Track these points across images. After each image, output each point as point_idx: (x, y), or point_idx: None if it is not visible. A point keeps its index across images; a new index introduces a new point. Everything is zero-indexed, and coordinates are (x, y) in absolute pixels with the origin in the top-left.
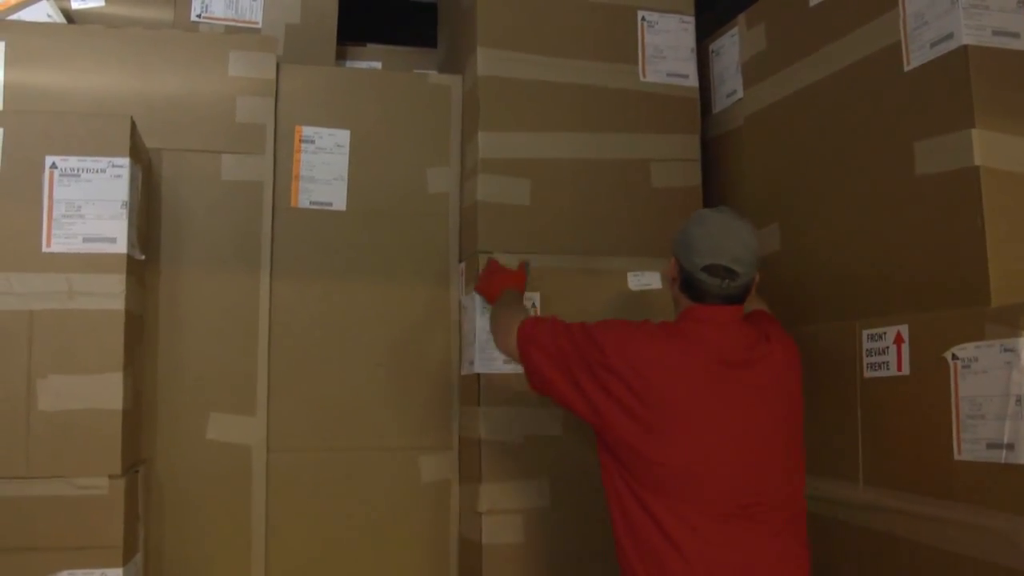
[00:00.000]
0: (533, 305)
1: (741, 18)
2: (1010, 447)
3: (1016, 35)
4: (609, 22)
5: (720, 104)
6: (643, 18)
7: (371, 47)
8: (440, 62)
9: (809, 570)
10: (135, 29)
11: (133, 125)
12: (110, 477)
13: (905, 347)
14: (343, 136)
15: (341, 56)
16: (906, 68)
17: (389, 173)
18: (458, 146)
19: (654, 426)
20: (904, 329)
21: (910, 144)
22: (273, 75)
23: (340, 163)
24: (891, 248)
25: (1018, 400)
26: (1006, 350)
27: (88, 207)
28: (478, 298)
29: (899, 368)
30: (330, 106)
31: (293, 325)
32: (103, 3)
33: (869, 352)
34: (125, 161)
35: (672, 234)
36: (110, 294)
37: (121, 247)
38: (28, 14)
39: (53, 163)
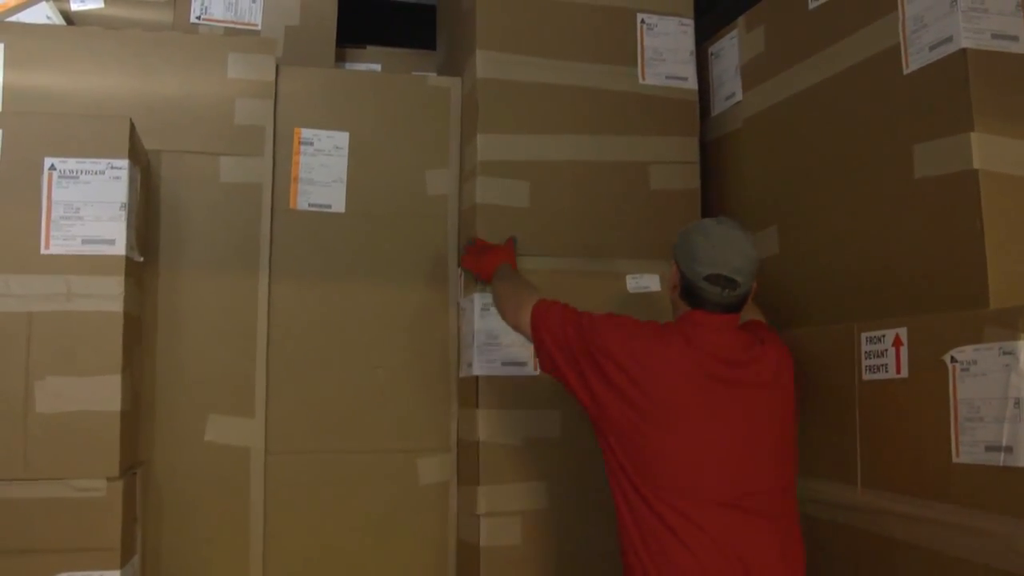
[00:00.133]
0: None
1: (740, 21)
2: (1008, 450)
3: (1015, 38)
4: (608, 24)
5: (719, 107)
6: (642, 21)
7: (370, 49)
8: (439, 64)
9: (804, 563)
10: (134, 31)
11: (132, 127)
12: (108, 479)
13: (904, 349)
14: (342, 138)
15: (340, 58)
16: (905, 71)
17: (388, 175)
18: (457, 148)
19: (652, 418)
20: (903, 332)
21: (909, 147)
22: (272, 77)
23: (339, 165)
24: (890, 251)
25: (1016, 403)
26: (1005, 353)
27: (87, 209)
28: (477, 300)
29: (897, 371)
30: (329, 108)
31: (292, 327)
32: (102, 5)
33: (867, 355)
34: (124, 163)
35: (671, 236)
36: (109, 296)
37: (120, 249)
38: (27, 16)
39: (52, 164)
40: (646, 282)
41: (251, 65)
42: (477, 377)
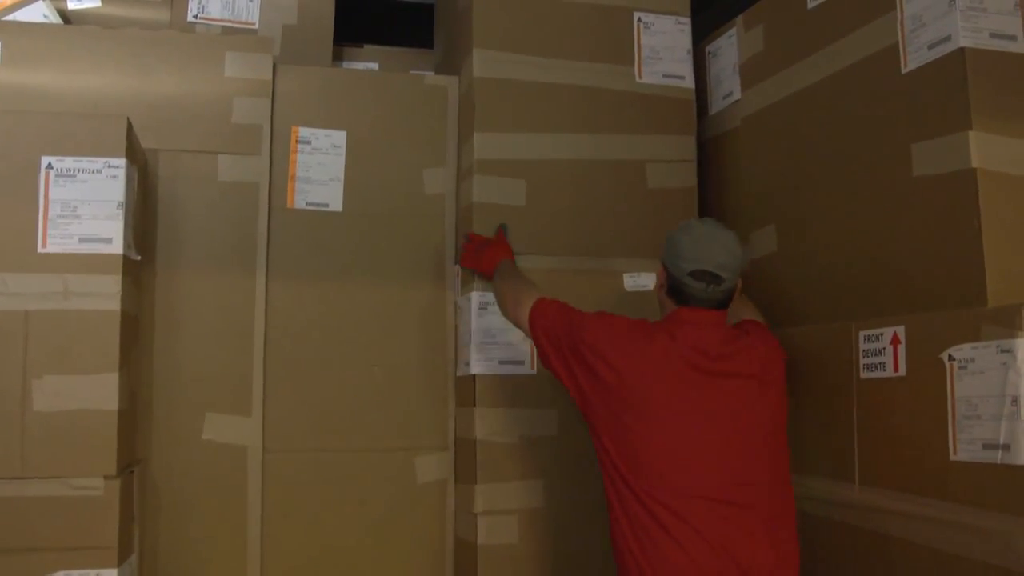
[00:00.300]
0: None
1: (739, 20)
2: (1006, 447)
3: (1013, 37)
4: (605, 23)
5: (716, 105)
6: (639, 19)
7: (368, 48)
8: (437, 63)
9: (798, 555)
10: (131, 30)
11: (129, 125)
12: (105, 477)
13: (901, 348)
14: (339, 137)
15: (338, 57)
16: (904, 70)
17: (385, 174)
18: (455, 147)
19: (639, 413)
20: (900, 330)
21: (907, 146)
22: (269, 76)
23: (336, 164)
24: (888, 249)
25: (1014, 400)
26: (1002, 351)
27: (84, 207)
28: (474, 299)
29: (895, 369)
30: (326, 107)
31: (289, 326)
32: (99, 3)
33: (865, 353)
34: (121, 161)
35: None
36: (106, 294)
37: (117, 247)
38: (24, 15)
39: (49, 163)
40: (644, 280)
41: (248, 64)
42: (475, 376)
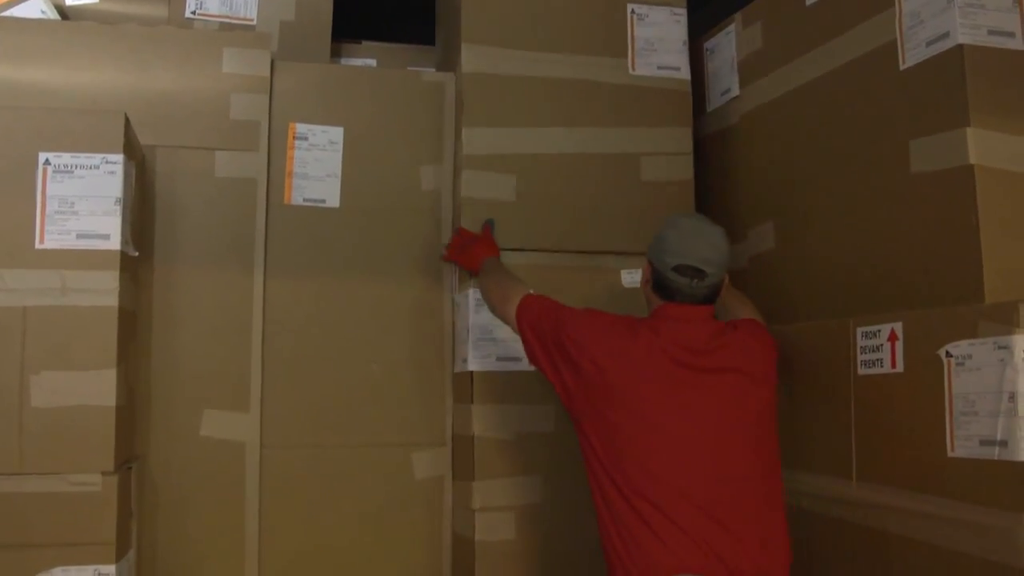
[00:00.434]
0: None
1: (737, 16)
2: (1003, 444)
3: (1011, 34)
4: (598, 16)
5: (715, 102)
6: (633, 11)
7: (366, 44)
8: (438, 61)
9: (789, 551)
10: (129, 25)
11: (127, 121)
12: (103, 474)
13: (899, 344)
14: (336, 133)
15: (336, 53)
16: (902, 67)
17: (382, 170)
18: (451, 144)
19: (621, 407)
20: (898, 326)
21: (905, 142)
22: (267, 72)
23: (333, 160)
24: (885, 246)
25: (1011, 397)
26: (1000, 347)
27: (82, 203)
28: (471, 295)
29: (893, 365)
30: (324, 103)
31: (287, 322)
32: None
33: (863, 349)
34: (119, 157)
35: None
36: (103, 290)
37: (115, 243)
38: (21, 10)
39: (47, 159)
40: (639, 277)
41: (246, 60)
42: (472, 372)
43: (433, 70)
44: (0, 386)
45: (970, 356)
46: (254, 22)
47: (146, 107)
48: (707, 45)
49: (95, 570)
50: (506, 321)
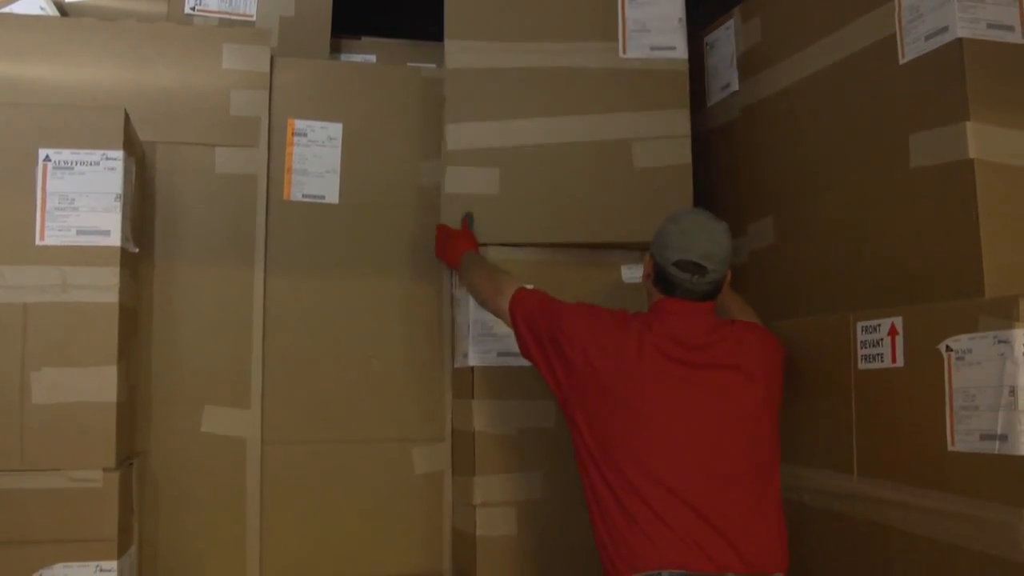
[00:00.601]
0: None
1: (737, 10)
2: (1003, 438)
3: (1011, 28)
4: (586, 1)
5: (715, 96)
6: None
7: (365, 40)
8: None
9: (785, 546)
10: (129, 22)
11: (127, 117)
12: (104, 470)
13: (899, 339)
14: (335, 129)
15: (336, 49)
16: (901, 61)
17: (381, 166)
18: None
19: (613, 403)
20: (898, 321)
21: (905, 137)
22: (267, 68)
23: (333, 156)
24: (885, 240)
25: (1012, 391)
26: (1000, 341)
27: (82, 200)
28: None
29: (893, 360)
30: (323, 99)
31: (287, 318)
32: None
33: (863, 344)
34: (119, 154)
35: (664, 216)
36: (104, 287)
37: (115, 240)
38: (21, 7)
39: (47, 156)
40: (636, 272)
41: (246, 56)
42: (472, 368)
43: (433, 66)
44: (1, 383)
45: (970, 350)
46: (253, 18)
47: (146, 103)
48: (707, 39)
49: (97, 566)
50: (497, 314)
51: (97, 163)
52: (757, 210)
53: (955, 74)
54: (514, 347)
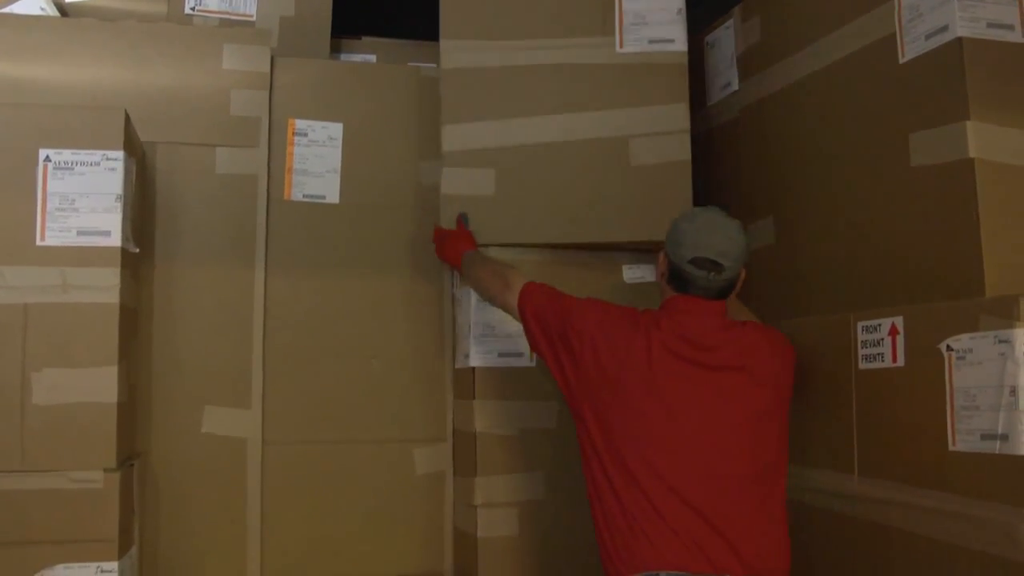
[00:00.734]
0: None
1: (736, 10)
2: (1004, 438)
3: (1011, 27)
4: None
5: (715, 96)
6: None
7: (365, 40)
8: None
9: (787, 550)
10: (129, 22)
11: (127, 118)
12: (105, 470)
13: (900, 338)
14: (336, 129)
15: (336, 49)
16: (901, 60)
17: (382, 166)
18: None
19: (620, 400)
20: (899, 321)
21: (905, 136)
22: (267, 68)
23: (333, 156)
24: (886, 240)
25: (1012, 391)
26: (1000, 341)
27: (82, 200)
28: (473, 291)
29: (894, 359)
30: (323, 99)
31: (288, 318)
32: None
33: (864, 344)
34: (119, 154)
35: (661, 214)
36: (104, 287)
37: (115, 240)
38: (21, 7)
39: (47, 156)
40: (640, 272)
41: (246, 56)
42: (473, 368)
43: (433, 66)
44: (1, 383)
45: (971, 350)
46: (254, 18)
47: (146, 103)
48: (708, 39)
49: (97, 567)
50: (506, 309)
51: (97, 163)
52: (757, 210)
53: (955, 73)
54: (515, 347)
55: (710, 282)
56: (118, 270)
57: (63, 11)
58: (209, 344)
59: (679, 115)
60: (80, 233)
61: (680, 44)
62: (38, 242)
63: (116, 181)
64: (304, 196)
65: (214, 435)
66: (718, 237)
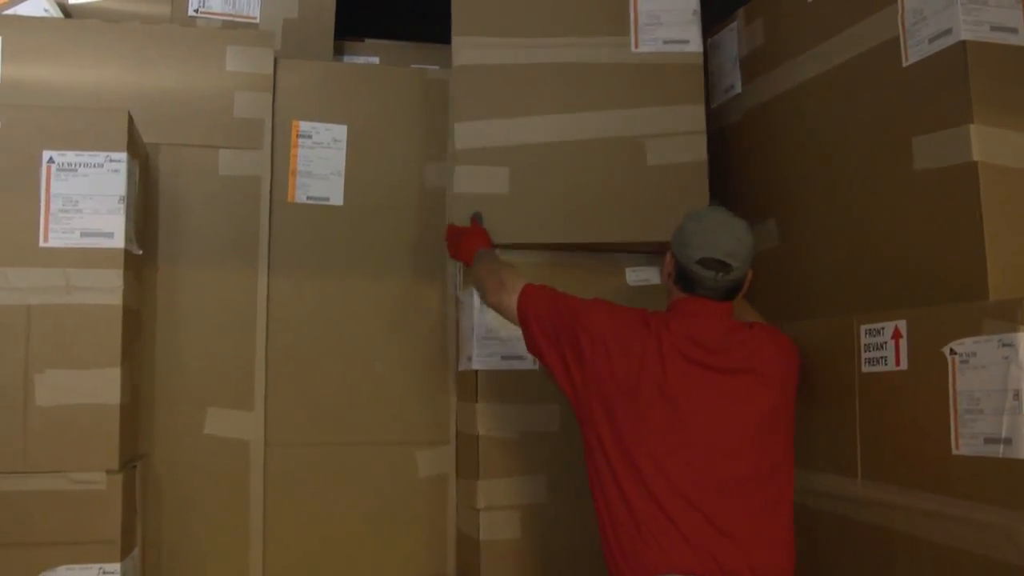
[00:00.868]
0: None
1: (740, 13)
2: (1008, 442)
3: (1014, 30)
4: None
5: (718, 99)
6: None
7: (369, 42)
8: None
9: (792, 553)
10: (132, 24)
11: (130, 119)
12: (108, 472)
13: (903, 342)
14: (340, 131)
15: (339, 51)
16: (904, 63)
17: (386, 168)
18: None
19: (628, 401)
20: (902, 324)
21: (908, 139)
22: (271, 70)
23: (337, 158)
24: (889, 243)
25: (1016, 395)
26: (1004, 345)
27: (85, 202)
28: (476, 293)
29: (897, 363)
30: (327, 101)
31: (291, 320)
32: None
33: (867, 347)
34: (122, 156)
35: (676, 215)
36: (107, 289)
37: (118, 242)
38: (24, 9)
39: (50, 157)
40: (646, 275)
41: (249, 58)
42: (476, 371)
43: (436, 68)
44: (4, 384)
45: (974, 354)
46: (257, 20)
47: (149, 105)
48: (710, 42)
49: (100, 568)
50: (501, 310)
51: (101, 165)
52: (760, 212)
53: (959, 77)
54: (519, 351)
55: (718, 282)
56: (121, 272)
57: (66, 12)
58: (212, 346)
59: (695, 116)
60: (83, 235)
61: (695, 45)
62: (41, 243)
63: (119, 183)
64: (308, 198)
65: (217, 437)
66: (726, 237)
